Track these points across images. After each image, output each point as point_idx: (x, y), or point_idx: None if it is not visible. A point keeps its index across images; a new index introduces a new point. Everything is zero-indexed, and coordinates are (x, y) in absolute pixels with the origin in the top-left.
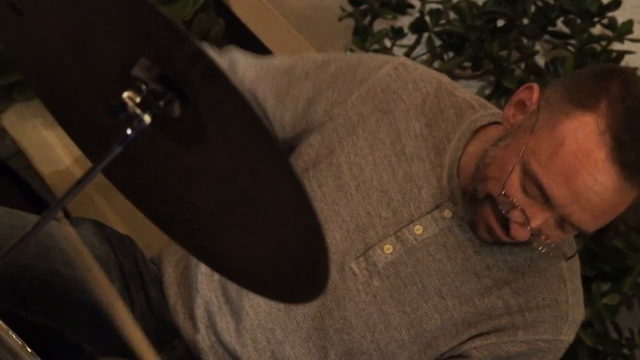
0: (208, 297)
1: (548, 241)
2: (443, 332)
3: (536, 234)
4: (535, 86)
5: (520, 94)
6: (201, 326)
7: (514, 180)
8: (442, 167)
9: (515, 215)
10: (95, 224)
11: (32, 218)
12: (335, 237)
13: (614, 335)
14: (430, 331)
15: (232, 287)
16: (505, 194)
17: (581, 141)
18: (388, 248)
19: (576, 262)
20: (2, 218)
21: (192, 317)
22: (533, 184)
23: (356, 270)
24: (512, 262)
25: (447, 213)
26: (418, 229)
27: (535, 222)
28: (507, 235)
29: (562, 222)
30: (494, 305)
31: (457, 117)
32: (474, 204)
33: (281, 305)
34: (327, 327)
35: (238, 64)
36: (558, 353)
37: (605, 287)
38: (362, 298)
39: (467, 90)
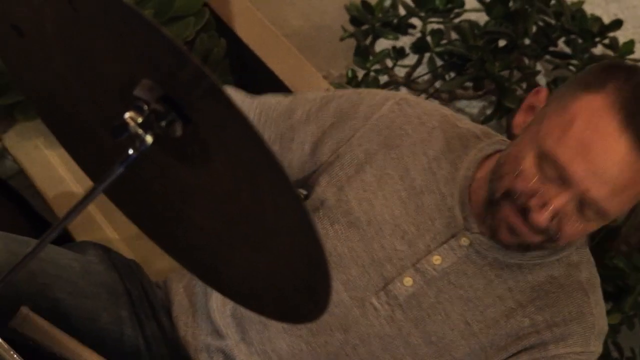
0: (224, 332)
1: (571, 231)
2: (473, 358)
3: (557, 221)
4: (543, 88)
5: (530, 98)
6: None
7: (529, 165)
8: (453, 197)
9: (534, 202)
10: (101, 249)
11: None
12: (352, 273)
13: (615, 354)
14: (459, 358)
15: (251, 328)
16: (521, 180)
17: (591, 116)
18: (408, 281)
19: (596, 277)
20: (7, 245)
21: (206, 350)
22: (549, 164)
23: (377, 305)
24: (533, 281)
25: (464, 241)
26: (437, 259)
27: (554, 204)
28: (529, 226)
29: (582, 205)
30: (521, 325)
31: (463, 147)
32: (492, 207)
33: (302, 345)
34: None
35: None
36: None
37: (607, 306)
38: (387, 332)
39: (469, 120)
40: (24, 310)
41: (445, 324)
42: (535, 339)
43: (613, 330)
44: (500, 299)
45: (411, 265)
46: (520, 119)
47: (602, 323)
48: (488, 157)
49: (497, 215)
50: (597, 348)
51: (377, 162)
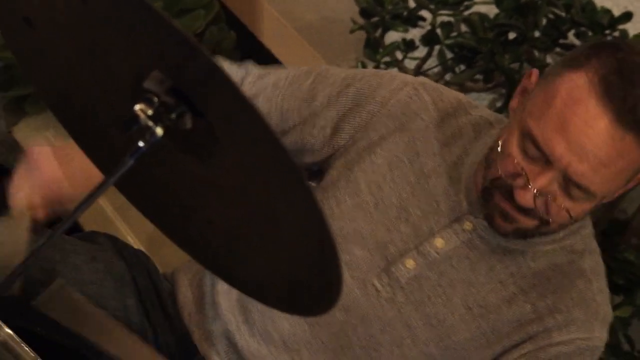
0: (227, 317)
1: (562, 207)
2: (474, 344)
3: (544, 198)
4: (535, 70)
5: (523, 82)
6: (219, 346)
7: (514, 146)
8: (460, 182)
9: (517, 182)
10: (109, 239)
11: (46, 234)
12: (356, 254)
13: (626, 347)
14: (460, 343)
15: (254, 308)
16: (506, 163)
17: (571, 91)
18: (410, 263)
19: (600, 266)
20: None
21: (208, 337)
22: (531, 143)
23: (379, 286)
24: (536, 267)
25: (468, 225)
26: (439, 242)
27: (538, 183)
28: (517, 207)
29: (566, 184)
30: (523, 311)
31: (475, 134)
32: (486, 194)
33: (305, 326)
34: (353, 345)
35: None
36: (596, 351)
37: (618, 299)
38: (387, 314)
39: (485, 108)
40: (59, 281)
41: (446, 307)
42: (538, 326)
43: (624, 323)
44: (502, 284)
45: (414, 248)
46: (514, 103)
47: (606, 310)
48: None
49: (490, 202)
50: (602, 334)
51: (389, 144)
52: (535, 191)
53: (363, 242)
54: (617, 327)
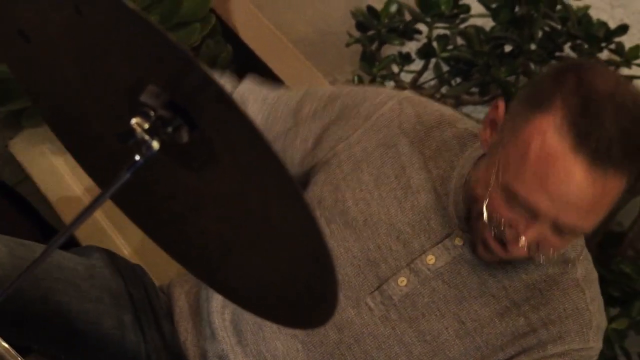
0: (220, 336)
1: (552, 251)
2: (468, 358)
3: (535, 247)
4: (500, 102)
5: (490, 113)
6: None
7: (497, 199)
8: (448, 196)
9: (508, 235)
10: (107, 254)
11: (40, 249)
12: (348, 273)
13: (622, 359)
14: (454, 357)
15: (247, 329)
16: (491, 215)
17: (543, 143)
18: (402, 280)
19: (593, 273)
20: (13, 250)
21: (204, 355)
22: (513, 198)
23: (372, 305)
24: (528, 279)
25: (458, 241)
26: (430, 258)
27: (527, 236)
28: (505, 252)
29: (557, 228)
30: (516, 324)
31: (460, 147)
32: (470, 223)
33: (298, 346)
34: None
35: (247, 105)
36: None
37: (614, 311)
38: (382, 332)
39: (469, 120)
40: None
41: (439, 323)
42: (532, 338)
43: (620, 335)
44: (494, 298)
45: (405, 265)
46: (485, 135)
47: (599, 319)
48: (484, 155)
49: (474, 231)
50: (597, 344)
51: (374, 160)
52: (526, 243)
53: (354, 261)
54: (614, 339)
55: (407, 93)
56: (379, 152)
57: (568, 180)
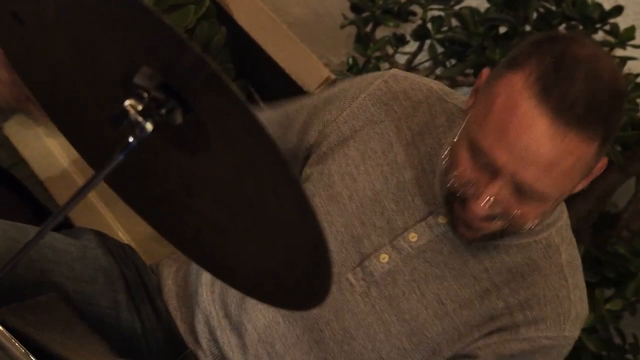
0: (208, 310)
1: (516, 213)
2: (446, 338)
3: (499, 207)
4: (485, 70)
5: (477, 82)
6: (203, 341)
7: (463, 157)
8: (434, 174)
9: (470, 192)
10: (97, 235)
11: (34, 231)
12: (331, 248)
13: (617, 340)
14: (432, 337)
15: (232, 301)
16: (458, 172)
17: (510, 95)
18: (384, 257)
19: (577, 259)
20: (6, 232)
21: (192, 331)
22: (477, 153)
23: (353, 281)
24: (510, 262)
25: (442, 219)
26: (413, 236)
27: (488, 192)
28: (468, 212)
29: (518, 189)
30: (495, 307)
31: (448, 123)
32: (446, 203)
33: (279, 319)
34: (327, 339)
35: None
36: (563, 350)
37: (609, 292)
38: (361, 308)
39: (460, 95)
40: (51, 295)
41: (419, 302)
42: (507, 320)
43: (615, 316)
44: (475, 279)
45: (388, 242)
46: (469, 102)
47: (579, 308)
48: None
49: (452, 210)
50: (573, 333)
51: (362, 137)
52: (487, 199)
53: (338, 236)
54: (608, 321)
55: (394, 71)
56: (367, 129)
57: (528, 132)
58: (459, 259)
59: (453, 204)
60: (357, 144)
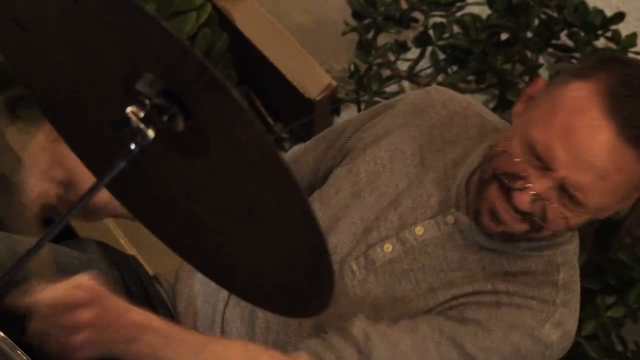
0: (215, 304)
1: (554, 216)
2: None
3: (540, 204)
4: (543, 78)
5: (529, 88)
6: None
7: (516, 149)
8: (455, 179)
9: (517, 184)
10: (101, 246)
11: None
12: (343, 239)
13: (619, 348)
14: (417, 312)
15: None
16: (508, 161)
17: (577, 100)
18: (388, 247)
19: (575, 283)
20: (11, 246)
21: (195, 327)
22: (533, 150)
23: (355, 268)
24: (508, 267)
25: (450, 219)
26: (419, 230)
27: (537, 186)
28: (512, 208)
29: (564, 192)
30: (482, 289)
31: (480, 136)
32: (481, 187)
33: None
34: (323, 324)
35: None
36: (536, 349)
37: (611, 299)
38: (357, 293)
39: (497, 116)
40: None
41: (413, 291)
42: (490, 298)
43: (617, 323)
44: (470, 272)
45: (394, 234)
46: (519, 108)
47: (565, 318)
48: None
49: (483, 196)
50: (552, 337)
51: (394, 138)
52: (533, 194)
53: (352, 228)
54: (610, 328)
55: (437, 86)
56: (401, 131)
57: (590, 139)
58: (458, 255)
59: (487, 189)
60: (388, 145)
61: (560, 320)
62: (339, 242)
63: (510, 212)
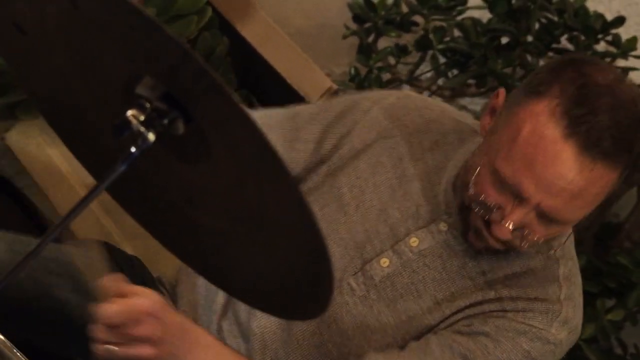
0: (218, 319)
1: (536, 238)
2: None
3: (521, 230)
4: (502, 90)
5: (491, 101)
6: None
7: (486, 182)
8: (440, 185)
9: (494, 216)
10: (104, 247)
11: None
12: (334, 254)
13: (618, 351)
14: (425, 327)
15: (241, 308)
16: (479, 198)
17: (534, 126)
18: (385, 262)
19: (576, 276)
20: (11, 245)
21: None
22: (500, 182)
23: (354, 285)
24: (508, 268)
25: (443, 226)
26: (414, 241)
27: (512, 218)
28: (491, 235)
29: (541, 215)
30: (486, 296)
31: (459, 141)
32: (463, 211)
33: (284, 325)
34: (326, 342)
35: None
36: (547, 348)
37: (610, 303)
38: (359, 310)
39: (471, 117)
40: None
41: (415, 303)
42: (495, 305)
43: (616, 327)
44: (472, 280)
45: (390, 247)
46: (485, 122)
47: (570, 314)
48: None
49: (466, 219)
50: (560, 335)
51: (373, 150)
52: (511, 226)
53: (341, 243)
54: (609, 331)
55: (407, 92)
56: (378, 143)
57: (555, 164)
58: (457, 262)
59: (469, 214)
60: (369, 158)
61: (566, 317)
62: (331, 256)
63: (492, 239)
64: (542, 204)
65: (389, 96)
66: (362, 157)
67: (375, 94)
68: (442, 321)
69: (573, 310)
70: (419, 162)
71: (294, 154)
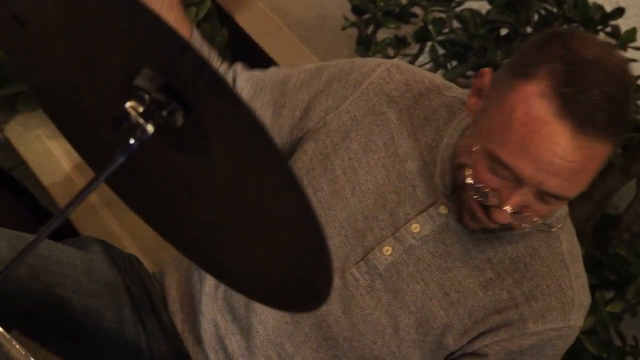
0: (214, 318)
1: (535, 219)
2: (451, 330)
3: (520, 212)
4: (487, 70)
5: (476, 81)
6: (210, 351)
7: (481, 166)
8: (435, 164)
9: (492, 201)
10: (103, 246)
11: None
12: (334, 243)
13: (617, 343)
14: (438, 328)
15: (239, 304)
16: (476, 182)
17: (527, 109)
18: (387, 249)
19: (576, 247)
20: (12, 243)
21: (199, 342)
22: (497, 165)
23: (357, 275)
24: (513, 252)
25: (443, 209)
26: (415, 227)
27: (511, 202)
28: (490, 220)
29: (540, 194)
30: (499, 298)
31: (448, 115)
32: (457, 192)
33: (288, 318)
34: (336, 336)
35: (236, 83)
36: (569, 339)
37: (609, 294)
38: (367, 303)
39: (459, 88)
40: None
41: (424, 293)
42: (513, 313)
43: (615, 318)
44: (478, 270)
45: (391, 234)
46: (471, 102)
47: (582, 296)
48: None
49: (460, 199)
50: (578, 322)
51: (363, 129)
52: (509, 209)
53: (341, 231)
54: (609, 323)
55: (396, 60)
56: (368, 120)
57: (552, 145)
58: (461, 249)
59: (462, 194)
60: (359, 137)
61: (580, 301)
62: (331, 247)
63: (490, 221)
64: (543, 185)
65: (377, 67)
66: (352, 136)
67: (364, 65)
68: (464, 341)
69: (583, 289)
70: (410, 140)
71: (280, 120)
